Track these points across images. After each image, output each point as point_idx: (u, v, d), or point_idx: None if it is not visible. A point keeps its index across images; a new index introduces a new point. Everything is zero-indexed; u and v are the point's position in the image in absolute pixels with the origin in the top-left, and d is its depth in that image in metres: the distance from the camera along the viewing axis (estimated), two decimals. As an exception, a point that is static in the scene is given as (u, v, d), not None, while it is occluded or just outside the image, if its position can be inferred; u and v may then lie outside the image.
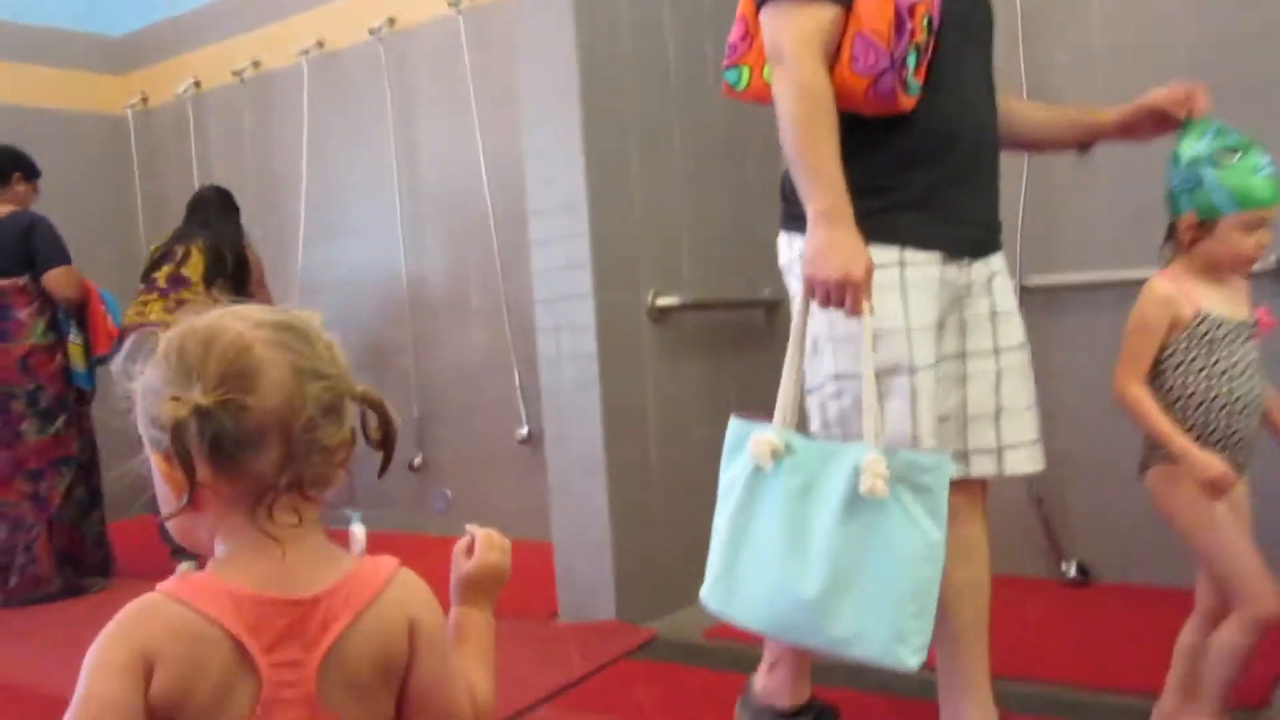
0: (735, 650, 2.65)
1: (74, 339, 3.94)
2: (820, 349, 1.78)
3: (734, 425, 1.76)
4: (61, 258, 3.84)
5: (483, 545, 1.10)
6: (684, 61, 3.23)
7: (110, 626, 0.84)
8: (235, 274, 3.99)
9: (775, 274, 3.50)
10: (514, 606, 3.16)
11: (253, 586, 0.86)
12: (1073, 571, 2.98)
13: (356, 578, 0.93)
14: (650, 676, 2.49)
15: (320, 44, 4.77)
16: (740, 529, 1.69)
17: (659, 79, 3.15)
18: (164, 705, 0.81)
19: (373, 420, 0.96)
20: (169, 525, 0.93)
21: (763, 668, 2.06)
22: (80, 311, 3.94)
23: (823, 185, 1.67)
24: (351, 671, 0.89)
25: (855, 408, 1.70)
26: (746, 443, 1.68)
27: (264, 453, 0.86)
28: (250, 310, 0.93)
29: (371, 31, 4.51)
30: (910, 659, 1.53)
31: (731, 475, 1.74)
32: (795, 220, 1.78)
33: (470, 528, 1.18)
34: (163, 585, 0.87)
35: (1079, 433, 3.06)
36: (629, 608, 2.91)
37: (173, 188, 5.23)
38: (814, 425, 1.84)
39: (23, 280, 3.81)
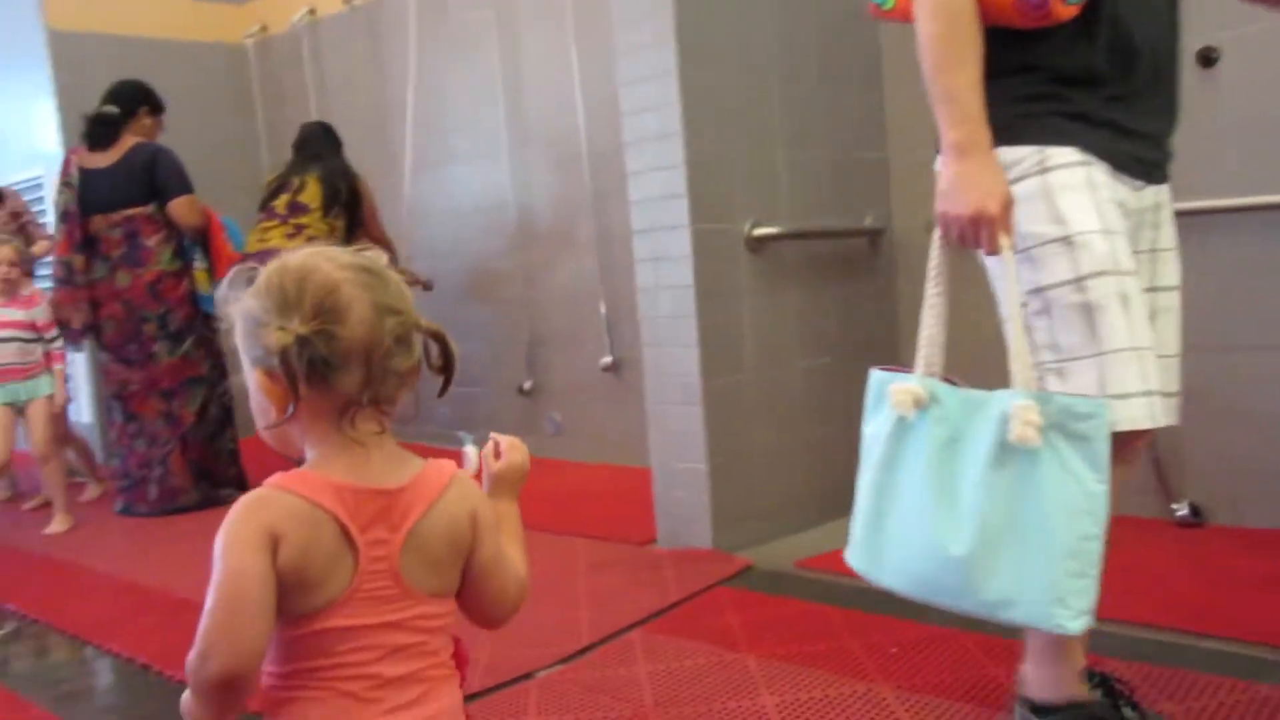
0: (827, 582, 2.68)
1: (199, 264, 4.14)
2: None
3: (875, 377, 1.63)
4: (184, 187, 4.01)
5: (507, 448, 1.27)
6: (786, -18, 3.14)
7: (234, 513, 0.98)
8: (349, 203, 4.12)
9: (879, 201, 3.49)
10: (614, 530, 3.26)
11: (348, 479, 1.02)
12: (1184, 511, 2.89)
13: (426, 476, 1.07)
14: (742, 604, 2.54)
15: (427, -31, 4.80)
16: (884, 486, 1.57)
17: (756, 4, 3.08)
18: (289, 574, 0.97)
19: (435, 349, 1.10)
20: (266, 434, 1.08)
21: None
22: (203, 238, 4.12)
23: (958, 113, 1.54)
24: (426, 550, 1.05)
25: (1074, 315, 1.53)
26: (887, 395, 1.57)
27: (350, 374, 1.01)
28: (334, 252, 1.05)
29: (477, -44, 4.52)
30: (1071, 623, 1.40)
31: (873, 430, 1.62)
32: None
33: (470, 442, 1.46)
34: (271, 480, 1.01)
35: (1195, 369, 2.94)
36: (725, 536, 2.96)
37: (291, 116, 5.37)
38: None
39: (150, 209, 4.00)
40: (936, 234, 1.61)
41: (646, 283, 3.02)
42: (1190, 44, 2.85)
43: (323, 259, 1.04)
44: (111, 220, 3.99)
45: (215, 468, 4.19)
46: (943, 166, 1.57)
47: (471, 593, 1.11)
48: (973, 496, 1.46)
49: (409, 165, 4.86)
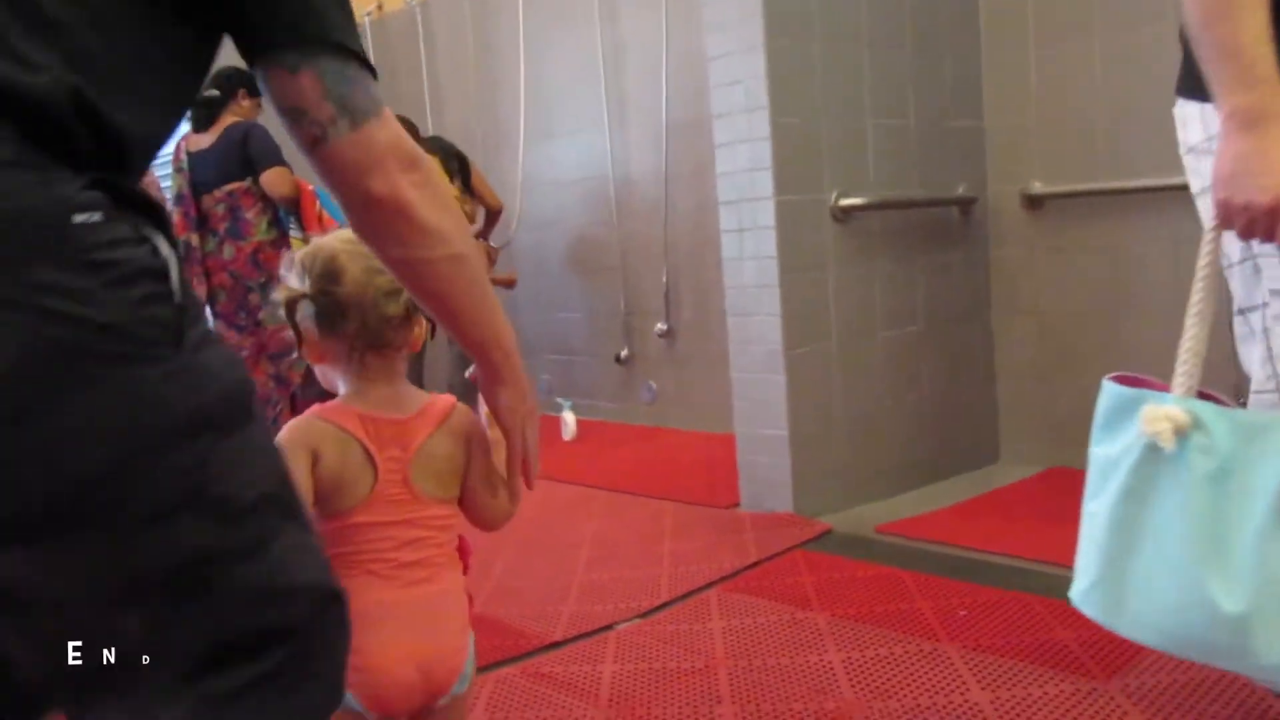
0: (903, 546, 2.74)
1: (295, 234, 4.35)
2: (1261, 264, 1.40)
3: (1115, 393, 1.36)
4: (275, 159, 4.21)
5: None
6: (875, -48, 3.15)
7: (284, 434, 1.29)
8: (462, 172, 4.29)
9: (973, 170, 3.47)
10: (699, 494, 3.36)
11: (369, 410, 1.30)
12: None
13: (431, 407, 1.34)
14: (819, 566, 2.61)
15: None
16: (1128, 523, 1.32)
17: (847, -28, 3.10)
18: (326, 481, 1.27)
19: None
20: (316, 371, 1.38)
21: None
22: (296, 208, 4.34)
23: (1242, 73, 1.25)
24: (431, 464, 1.32)
25: None
26: (1134, 414, 1.30)
27: (349, 322, 1.29)
28: (344, 233, 1.29)
29: (579, -67, 4.61)
30: None
31: (1110, 454, 1.35)
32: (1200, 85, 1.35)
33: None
34: (310, 410, 1.32)
35: None
36: (805, 501, 3.02)
37: (405, 90, 5.58)
38: (1255, 357, 1.46)
39: (247, 183, 4.22)
40: (1209, 227, 1.36)
41: (732, 253, 3.09)
42: None
43: (335, 239, 1.32)
44: (216, 197, 4.22)
45: None
46: (1222, 141, 1.29)
47: (470, 500, 1.37)
48: (1252, 544, 1.22)
49: (522, 138, 5.00)
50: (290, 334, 1.33)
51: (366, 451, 1.28)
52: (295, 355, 1.33)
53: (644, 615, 2.40)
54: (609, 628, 2.34)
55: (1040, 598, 2.25)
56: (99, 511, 0.72)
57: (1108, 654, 1.96)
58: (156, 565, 0.74)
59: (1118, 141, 3.12)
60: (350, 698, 1.24)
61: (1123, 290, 3.16)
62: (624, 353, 4.74)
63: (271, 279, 4.33)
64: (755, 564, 2.67)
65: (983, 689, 1.88)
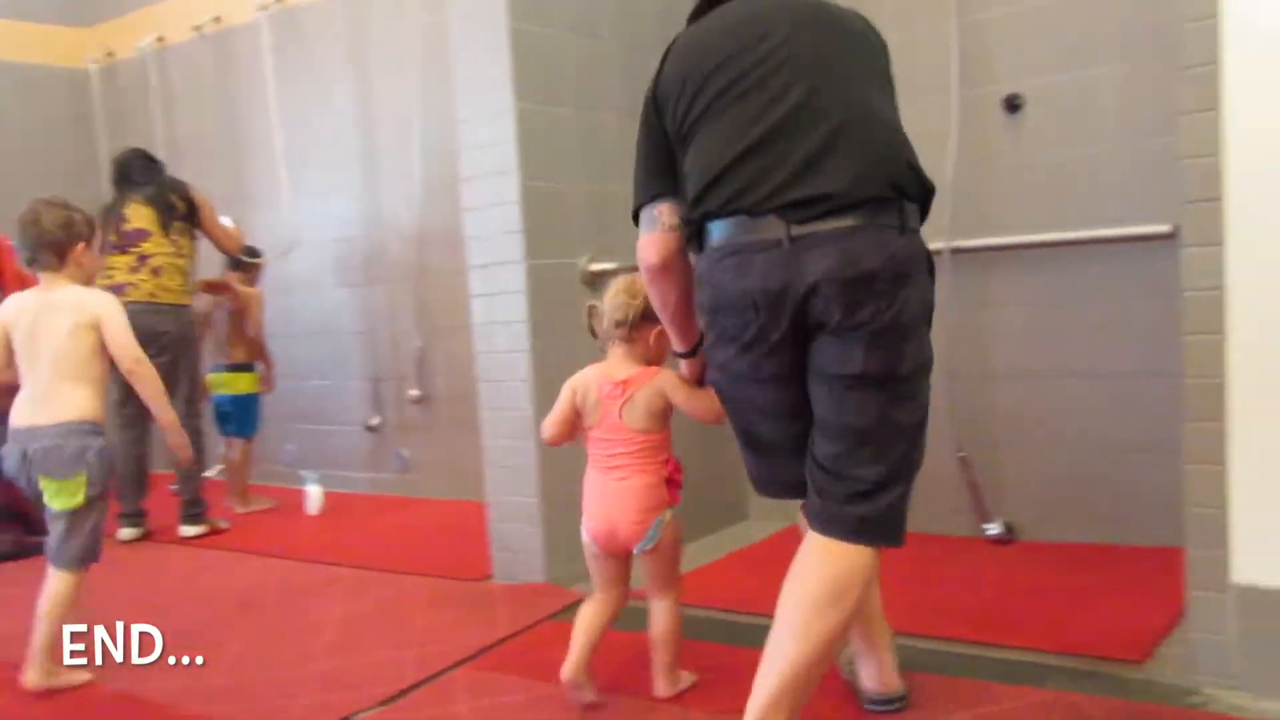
0: (657, 611, 2.71)
1: None
2: None
3: None
4: None
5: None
6: (620, 25, 3.21)
7: (570, 380, 2.15)
8: (189, 216, 4.02)
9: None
10: (450, 567, 3.23)
11: (601, 376, 2.12)
12: (997, 530, 3.03)
13: (640, 374, 2.09)
14: (571, 637, 2.54)
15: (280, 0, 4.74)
16: None
17: (596, 39, 3.14)
18: (579, 407, 2.12)
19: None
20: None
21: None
22: None
23: None
24: (635, 407, 2.08)
25: None
26: None
27: (600, 326, 2.19)
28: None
29: (328, -12, 4.49)
30: None
31: None
32: None
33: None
34: (585, 369, 2.15)
35: (1008, 395, 3.11)
36: (559, 570, 2.96)
37: (135, 143, 5.19)
38: None
39: None
40: None
41: (482, 318, 3.03)
42: (998, 91, 3.05)
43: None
44: None
45: (29, 511, 3.99)
46: None
47: (687, 413, 2.07)
48: None
49: (285, 193, 4.75)
50: None
51: (600, 396, 2.11)
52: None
53: (386, 703, 2.24)
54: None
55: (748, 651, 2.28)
56: (914, 325, 1.67)
57: (848, 708, 2.00)
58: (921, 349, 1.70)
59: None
60: (584, 534, 2.17)
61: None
62: (375, 420, 4.56)
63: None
64: (506, 639, 2.58)
65: (730, 755, 1.86)
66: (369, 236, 4.58)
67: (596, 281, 3.11)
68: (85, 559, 2.45)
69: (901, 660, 2.03)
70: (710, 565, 3.08)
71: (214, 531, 4.03)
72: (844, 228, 1.61)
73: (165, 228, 3.94)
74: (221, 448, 4.49)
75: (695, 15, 1.88)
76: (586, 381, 2.12)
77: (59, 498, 2.42)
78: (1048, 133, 2.97)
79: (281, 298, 4.71)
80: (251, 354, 4.40)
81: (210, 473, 4.36)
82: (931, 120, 3.02)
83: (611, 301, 2.11)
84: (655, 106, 1.86)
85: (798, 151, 1.63)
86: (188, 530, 3.99)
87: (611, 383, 2.08)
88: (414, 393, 4.36)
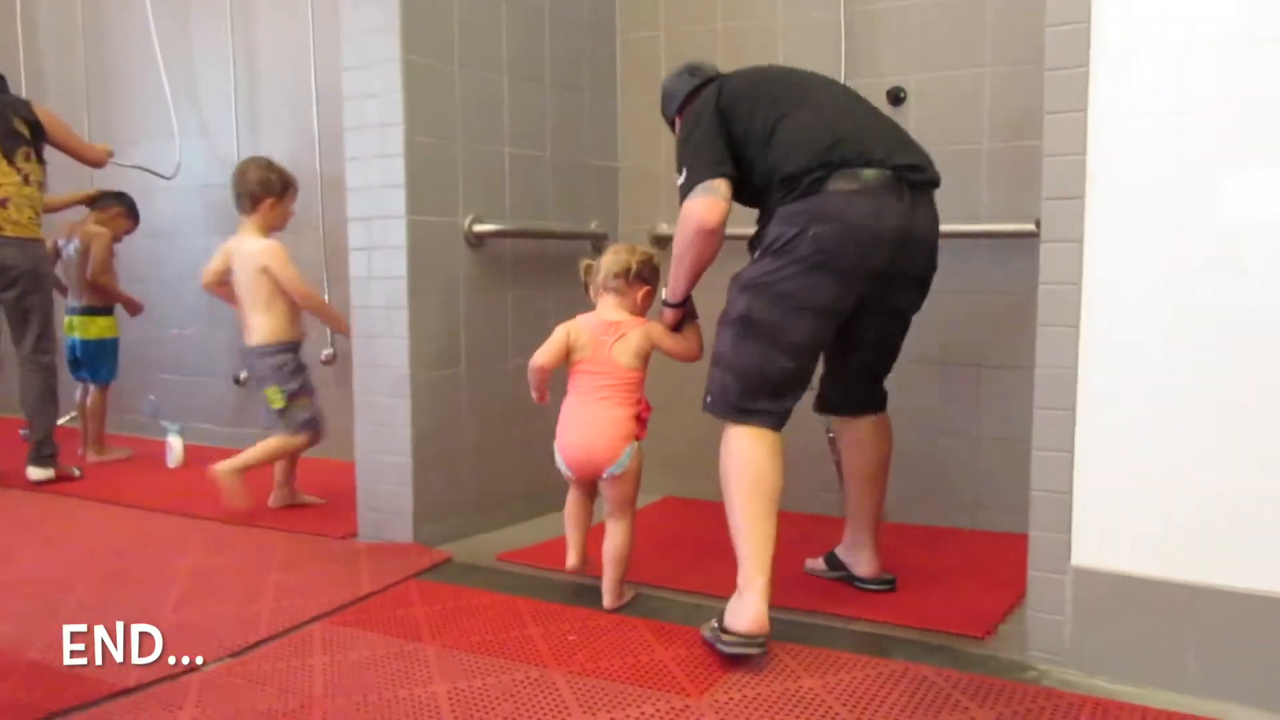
0: (524, 574, 2.72)
1: None
2: None
3: None
4: None
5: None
6: (519, -16, 3.18)
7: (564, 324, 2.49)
8: (34, 139, 3.80)
9: (607, 207, 3.58)
10: (315, 524, 3.17)
11: (594, 319, 2.47)
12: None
13: (629, 320, 2.46)
14: (434, 596, 2.52)
15: (158, -70, 4.52)
16: None
17: (489, 4, 3.10)
18: (570, 344, 2.46)
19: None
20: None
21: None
22: None
23: None
24: (624, 347, 2.43)
25: None
26: None
27: (593, 282, 2.57)
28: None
29: (212, -79, 4.30)
30: None
31: None
32: None
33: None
34: (580, 316, 2.50)
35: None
36: (427, 530, 2.94)
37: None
38: None
39: None
40: None
41: (360, 272, 2.96)
42: (884, 83, 3.12)
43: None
44: None
45: None
46: None
47: (673, 352, 2.49)
48: None
49: (178, 136, 4.52)
50: None
51: (592, 334, 2.45)
52: None
53: (236, 654, 2.19)
54: (193, 669, 2.11)
55: (646, 620, 2.32)
56: (928, 274, 2.33)
57: (700, 672, 2.04)
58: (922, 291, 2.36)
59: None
60: (559, 460, 2.48)
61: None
62: (243, 374, 4.42)
63: None
64: (367, 596, 2.54)
65: (584, 712, 1.88)
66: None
67: (480, 242, 3.07)
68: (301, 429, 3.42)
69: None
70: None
71: (65, 478, 3.85)
72: (928, 196, 2.26)
73: (9, 155, 3.72)
74: (76, 393, 4.29)
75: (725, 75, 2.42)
76: (579, 324, 2.48)
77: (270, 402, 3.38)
78: (928, 127, 3.05)
79: (148, 240, 4.50)
80: (101, 298, 4.20)
81: (63, 420, 4.16)
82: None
83: (613, 258, 2.49)
84: (721, 114, 2.25)
85: (891, 132, 2.28)
86: (36, 473, 3.80)
87: (605, 324, 2.45)
88: (328, 351, 4.18)
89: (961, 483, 3.10)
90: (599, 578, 2.46)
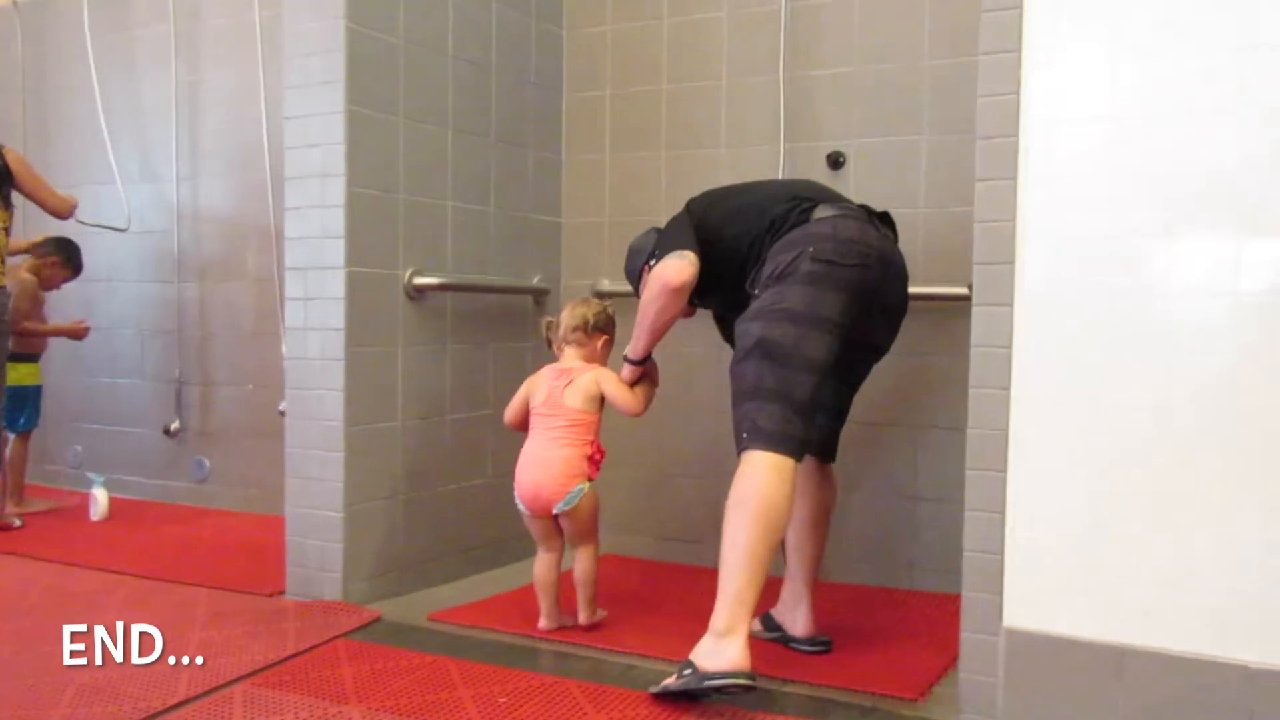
0: (454, 634, 2.67)
1: None
2: None
3: None
4: None
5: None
6: (464, 38, 3.20)
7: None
8: (1, 180, 3.70)
9: (547, 262, 3.58)
10: (241, 580, 3.08)
11: (551, 369, 2.70)
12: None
13: (581, 367, 2.65)
14: (362, 656, 2.46)
15: (105, -26, 4.50)
16: None
17: (436, 53, 3.11)
18: (528, 394, 2.69)
19: None
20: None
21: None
22: None
23: None
24: (574, 392, 2.62)
25: None
26: None
27: (554, 331, 2.79)
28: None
29: (158, -35, 4.29)
30: None
31: None
32: None
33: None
34: (546, 368, 2.72)
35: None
36: (357, 588, 2.87)
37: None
38: None
39: None
40: None
41: (296, 322, 2.92)
42: (823, 147, 3.17)
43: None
44: None
45: None
46: None
47: (613, 401, 2.62)
48: None
49: (119, 180, 4.43)
50: None
51: (547, 383, 2.65)
52: None
53: (152, 717, 2.11)
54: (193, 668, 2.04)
55: (579, 682, 2.28)
56: (902, 308, 2.46)
57: (634, 736, 2.00)
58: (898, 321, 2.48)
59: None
60: (516, 497, 2.64)
61: (668, 391, 3.35)
62: (174, 425, 4.32)
63: None
64: (293, 656, 2.46)
65: (512, 779, 1.83)
66: (185, 230, 4.36)
67: (421, 295, 3.05)
68: None
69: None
70: (510, 593, 3.05)
71: (4, 528, 3.75)
72: (894, 236, 2.46)
73: None
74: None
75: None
76: (538, 375, 2.71)
77: None
78: (867, 191, 3.11)
79: (81, 285, 4.41)
80: (24, 344, 4.08)
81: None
82: (759, 170, 3.13)
83: (571, 313, 2.71)
84: (692, 218, 2.48)
85: (839, 194, 2.55)
86: None
87: (558, 371, 2.67)
88: (284, 405, 4.07)
89: (897, 543, 3.11)
90: (542, 636, 2.62)
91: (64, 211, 3.94)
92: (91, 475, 4.10)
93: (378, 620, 2.74)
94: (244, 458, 4.19)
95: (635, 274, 2.63)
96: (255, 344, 4.17)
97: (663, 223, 2.59)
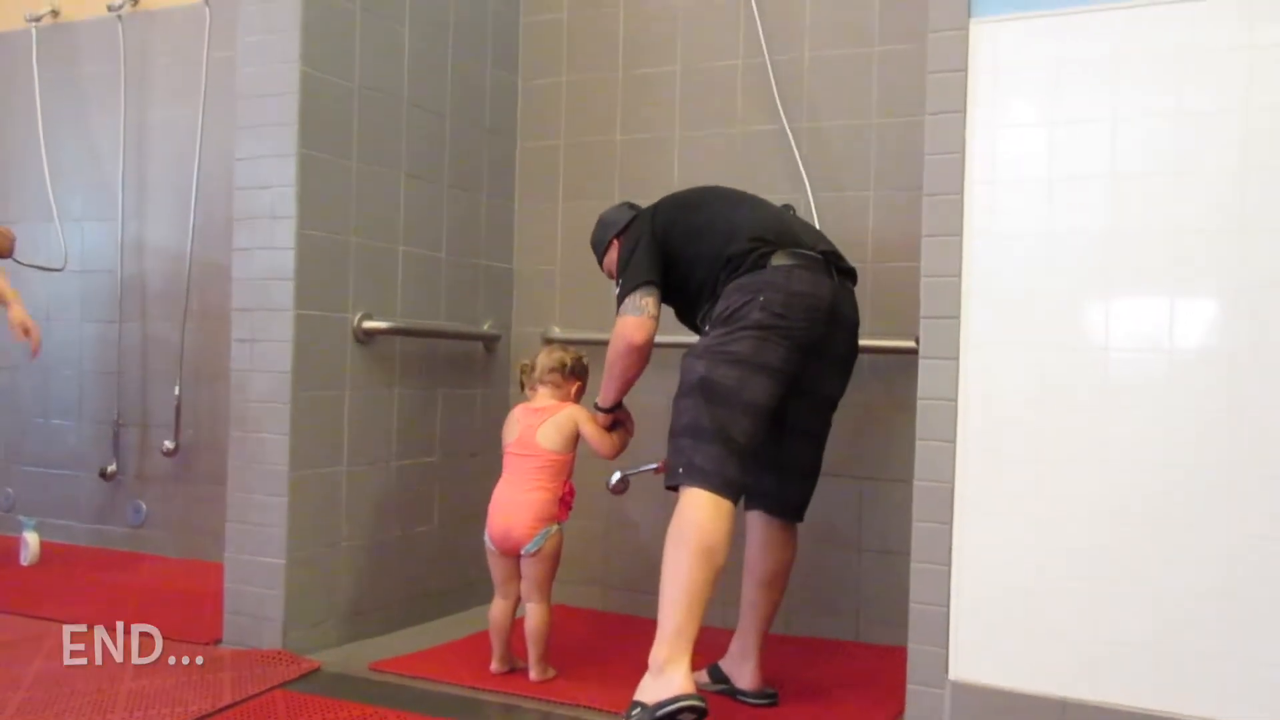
0: (397, 684, 2.62)
1: None
2: None
3: None
4: None
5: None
6: (419, 85, 3.21)
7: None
8: None
9: (498, 309, 3.58)
10: (175, 628, 3.00)
11: (526, 407, 2.72)
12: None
13: (555, 405, 2.68)
14: (300, 708, 2.40)
15: (55, 12, 4.45)
16: None
17: (391, 98, 3.12)
18: (504, 431, 2.74)
19: None
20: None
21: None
22: None
23: None
24: (549, 431, 2.64)
25: None
26: None
27: (529, 376, 2.83)
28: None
29: (111, 8, 4.26)
30: None
31: None
32: None
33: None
34: (519, 407, 2.76)
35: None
36: (297, 637, 2.80)
37: None
38: None
39: None
40: None
41: (241, 364, 2.88)
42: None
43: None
44: None
45: None
46: None
47: (588, 441, 2.64)
48: None
49: (57, 216, 4.35)
50: None
51: (522, 421, 2.67)
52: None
53: (78, 771, 2.03)
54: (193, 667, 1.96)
55: (522, 735, 2.24)
56: (851, 358, 2.52)
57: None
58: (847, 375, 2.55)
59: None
60: (486, 536, 2.65)
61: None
62: (112, 468, 4.22)
63: None
64: (228, 707, 2.39)
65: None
66: (129, 269, 4.29)
67: (369, 339, 3.03)
68: None
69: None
70: (453, 644, 3.00)
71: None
72: (849, 284, 2.50)
73: None
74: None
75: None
76: (513, 413, 2.75)
77: None
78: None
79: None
80: None
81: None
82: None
83: (548, 356, 2.76)
84: (656, 231, 2.53)
85: (813, 229, 2.66)
86: None
87: (533, 410, 2.70)
88: (168, 443, 4.05)
89: (843, 595, 3.12)
90: (487, 687, 2.58)
91: (6, 250, 3.85)
92: (23, 518, 3.98)
93: (317, 670, 2.68)
94: (182, 503, 4.09)
95: (602, 245, 2.71)
96: (197, 386, 4.09)
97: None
